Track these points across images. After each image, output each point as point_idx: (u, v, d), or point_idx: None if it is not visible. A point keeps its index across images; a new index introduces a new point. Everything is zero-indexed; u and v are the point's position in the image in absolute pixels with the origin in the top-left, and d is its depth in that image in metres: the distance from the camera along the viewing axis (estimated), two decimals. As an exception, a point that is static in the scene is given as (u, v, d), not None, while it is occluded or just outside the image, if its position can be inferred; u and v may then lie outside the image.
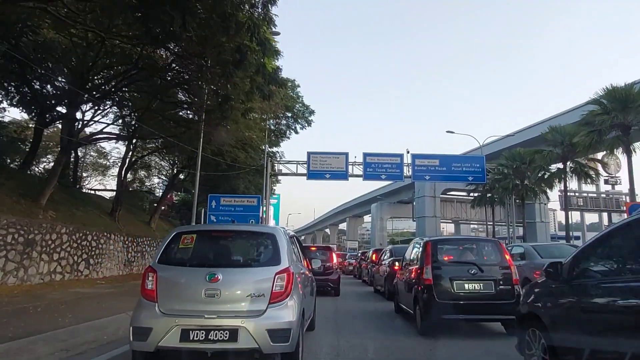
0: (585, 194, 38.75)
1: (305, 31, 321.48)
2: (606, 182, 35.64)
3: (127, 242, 18.43)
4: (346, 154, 29.16)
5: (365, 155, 29.17)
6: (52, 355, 5.45)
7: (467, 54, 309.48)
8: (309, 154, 29.00)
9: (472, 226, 70.45)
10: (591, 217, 53.27)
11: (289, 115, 27.27)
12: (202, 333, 4.15)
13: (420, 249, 7.34)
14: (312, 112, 27.67)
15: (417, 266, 7.30)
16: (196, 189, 17.58)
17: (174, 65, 15.31)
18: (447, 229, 57.73)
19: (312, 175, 28.92)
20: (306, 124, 28.45)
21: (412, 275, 7.49)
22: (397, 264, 11.10)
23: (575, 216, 55.25)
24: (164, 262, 4.63)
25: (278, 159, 29.98)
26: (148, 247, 21.19)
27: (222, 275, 4.33)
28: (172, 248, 4.76)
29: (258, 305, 4.30)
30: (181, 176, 28.12)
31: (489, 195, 32.20)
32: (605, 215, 43.03)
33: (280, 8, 26.42)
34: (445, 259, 7.03)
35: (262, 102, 17.31)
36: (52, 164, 23.43)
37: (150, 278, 4.47)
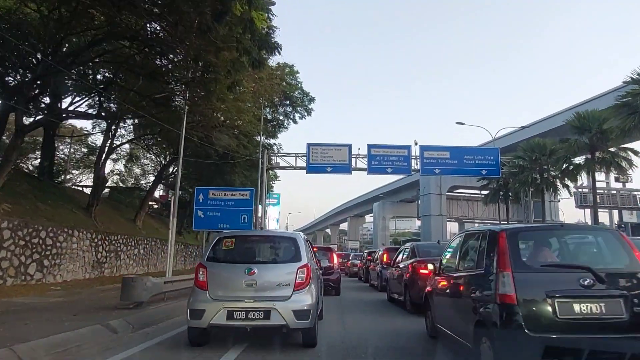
0: (601, 191, 36.01)
1: (304, 29, 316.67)
2: (617, 179, 33.03)
3: (96, 241, 15.75)
4: (349, 146, 26.53)
5: (370, 147, 26.53)
6: None
7: (469, 53, 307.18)
8: (308, 145, 26.37)
9: (476, 226, 67.80)
10: (602, 216, 50.72)
11: (287, 102, 24.59)
12: (243, 313, 5.30)
13: (485, 244, 4.50)
14: (312, 100, 25.04)
15: (479, 272, 4.49)
16: (179, 175, 14.96)
17: (148, 26, 12.61)
18: (450, 228, 55.17)
19: (312, 168, 26.29)
20: (305, 113, 25.80)
21: (468, 289, 4.73)
22: (428, 266, 8.35)
23: (579, 215, 52.73)
24: (211, 260, 5.83)
25: (275, 152, 27.31)
26: (124, 247, 18.52)
27: (257, 269, 5.54)
28: (216, 249, 5.95)
29: (285, 292, 5.46)
30: (171, 169, 25.42)
31: (503, 191, 29.40)
32: (615, 212, 40.33)
33: (279, 6, 24.07)
34: (537, 260, 4.14)
35: (254, 76, 14.57)
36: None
37: (201, 272, 5.62)
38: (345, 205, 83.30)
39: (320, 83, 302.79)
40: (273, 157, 27.12)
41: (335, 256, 15.83)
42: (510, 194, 29.40)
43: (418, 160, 26.57)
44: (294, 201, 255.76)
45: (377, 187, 68.93)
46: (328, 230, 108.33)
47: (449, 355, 5.50)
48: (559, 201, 37.57)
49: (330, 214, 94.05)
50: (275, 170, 33.17)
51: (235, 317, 5.27)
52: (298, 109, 25.46)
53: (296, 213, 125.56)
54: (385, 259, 14.46)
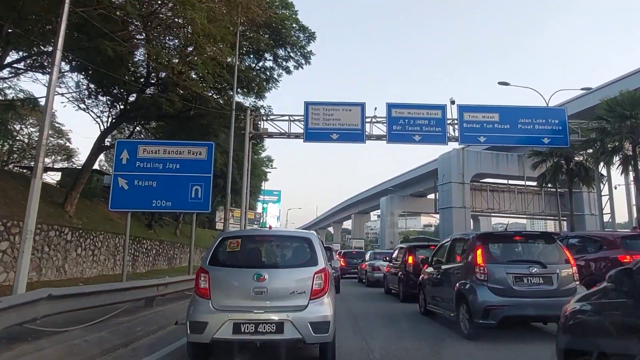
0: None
1: None
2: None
3: None
4: (362, 105, 19.14)
5: (391, 106, 19.11)
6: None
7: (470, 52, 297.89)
8: (307, 104, 19.02)
9: (493, 220, 60.12)
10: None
11: (273, 41, 17.06)
12: (252, 326, 4.44)
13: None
14: (311, 37, 17.50)
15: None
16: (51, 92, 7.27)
17: None
18: (473, 224, 47.42)
19: (311, 135, 18.91)
20: (303, 61, 18.32)
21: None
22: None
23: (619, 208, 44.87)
24: (214, 264, 4.86)
25: (263, 114, 19.84)
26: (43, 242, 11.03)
27: (268, 275, 4.61)
28: (219, 251, 5.00)
29: (300, 301, 4.58)
30: (115, 138, 17.91)
31: (569, 167, 21.53)
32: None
33: None
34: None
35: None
36: None
37: (203, 278, 4.69)
38: (349, 201, 75.71)
39: (323, 26, 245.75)
40: (260, 122, 19.66)
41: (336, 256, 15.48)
42: (580, 170, 21.45)
43: (456, 125, 19.12)
44: (293, 194, 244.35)
45: (385, 181, 61.43)
46: (330, 229, 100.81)
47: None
48: (616, 188, 29.47)
49: (333, 211, 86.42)
50: (264, 141, 25.55)
51: (242, 330, 4.44)
52: (292, 54, 17.96)
53: (296, 209, 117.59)
54: (411, 260, 10.43)
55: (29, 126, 36.51)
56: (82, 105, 17.08)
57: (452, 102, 19.00)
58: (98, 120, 17.06)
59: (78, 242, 13.26)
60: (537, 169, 23.66)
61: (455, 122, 18.91)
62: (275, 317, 4.48)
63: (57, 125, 33.02)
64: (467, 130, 18.73)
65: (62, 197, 17.48)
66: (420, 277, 8.56)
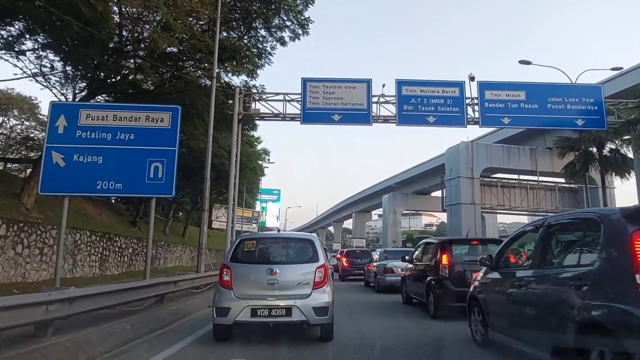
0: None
1: None
2: None
3: None
4: (367, 82, 16.53)
5: (401, 83, 16.49)
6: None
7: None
8: (305, 81, 16.42)
9: (499, 218, 57.47)
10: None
11: (265, 8, 14.40)
12: (266, 311, 5.43)
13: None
14: (308, 0, 14.83)
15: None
16: None
17: None
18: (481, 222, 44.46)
19: (310, 116, 16.36)
20: (300, 30, 15.61)
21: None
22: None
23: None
24: (234, 261, 5.84)
25: (255, 93, 17.25)
26: None
27: (278, 269, 5.62)
28: (238, 251, 5.99)
29: (305, 290, 5.57)
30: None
31: (601, 154, 18.79)
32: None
33: None
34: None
35: None
36: None
37: (225, 272, 5.68)
38: (350, 199, 72.96)
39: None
40: (251, 102, 17.02)
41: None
42: (612, 160, 18.70)
43: (476, 105, 16.54)
44: (292, 187, 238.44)
45: (387, 178, 58.72)
46: (331, 228, 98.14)
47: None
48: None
49: (333, 210, 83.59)
50: (257, 130, 23.01)
51: (259, 314, 5.40)
52: (287, 22, 15.28)
53: (296, 207, 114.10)
54: (445, 261, 7.89)
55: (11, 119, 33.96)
56: (46, 83, 14.40)
57: (472, 79, 16.36)
58: (62, 98, 14.39)
59: (18, 238, 10.55)
60: (564, 158, 20.93)
61: (475, 101, 16.30)
62: (284, 303, 5.45)
63: (41, 117, 30.46)
64: (489, 110, 16.11)
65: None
66: (474, 285, 5.83)
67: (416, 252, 9.63)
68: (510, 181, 37.23)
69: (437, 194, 57.49)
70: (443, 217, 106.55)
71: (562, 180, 40.35)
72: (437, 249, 8.17)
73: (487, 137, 39.53)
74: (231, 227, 16.26)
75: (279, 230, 7.25)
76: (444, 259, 7.75)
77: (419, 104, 16.08)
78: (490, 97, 16.15)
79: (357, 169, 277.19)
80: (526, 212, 40.38)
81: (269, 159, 38.66)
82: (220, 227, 36.95)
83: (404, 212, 59.22)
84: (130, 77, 11.57)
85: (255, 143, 33.07)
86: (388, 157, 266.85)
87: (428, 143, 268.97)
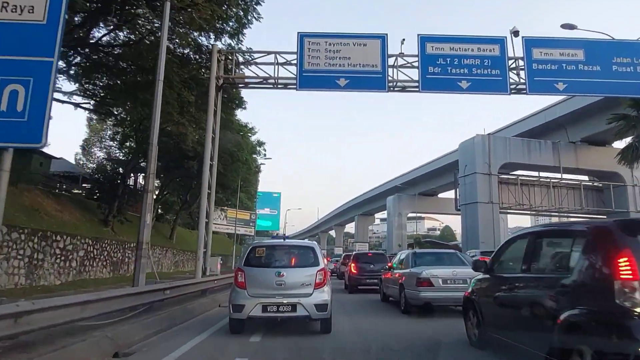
0: None
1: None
2: None
3: None
4: (382, 38, 12.95)
5: (425, 40, 12.89)
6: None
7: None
8: (302, 36, 12.84)
9: (509, 222, 53.46)
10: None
11: None
12: (275, 307, 6.38)
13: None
14: None
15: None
16: None
17: None
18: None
19: (308, 80, 12.76)
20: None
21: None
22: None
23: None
24: (247, 265, 6.84)
25: (239, 51, 13.65)
26: None
27: (285, 272, 6.58)
28: (250, 256, 6.99)
29: (307, 290, 6.52)
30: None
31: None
32: None
33: None
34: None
35: None
36: None
37: (240, 275, 6.67)
38: (352, 202, 69.19)
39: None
40: (233, 68, 13.36)
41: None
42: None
43: (521, 67, 12.91)
44: (292, 185, 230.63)
45: (392, 179, 55.07)
46: (332, 232, 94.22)
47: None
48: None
49: (335, 213, 79.72)
50: (244, 102, 19.41)
51: (268, 310, 6.34)
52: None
53: (296, 209, 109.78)
54: None
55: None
56: None
57: (515, 33, 12.72)
58: None
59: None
60: (621, 139, 17.22)
61: (521, 62, 12.65)
62: (290, 301, 6.44)
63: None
64: (539, 73, 12.45)
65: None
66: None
67: (500, 253, 5.54)
68: (530, 179, 33.49)
69: (445, 195, 53.83)
70: (447, 220, 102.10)
71: (587, 178, 36.84)
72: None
73: (504, 130, 35.89)
74: (205, 222, 12.49)
75: (284, 238, 8.17)
76: None
77: (448, 65, 12.43)
78: (539, 57, 12.50)
79: (357, 170, 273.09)
80: (547, 213, 36.72)
81: (265, 154, 34.70)
82: (216, 230, 32.90)
83: (410, 215, 55.20)
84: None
85: (249, 134, 29.25)
86: (390, 157, 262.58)
87: (430, 143, 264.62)
